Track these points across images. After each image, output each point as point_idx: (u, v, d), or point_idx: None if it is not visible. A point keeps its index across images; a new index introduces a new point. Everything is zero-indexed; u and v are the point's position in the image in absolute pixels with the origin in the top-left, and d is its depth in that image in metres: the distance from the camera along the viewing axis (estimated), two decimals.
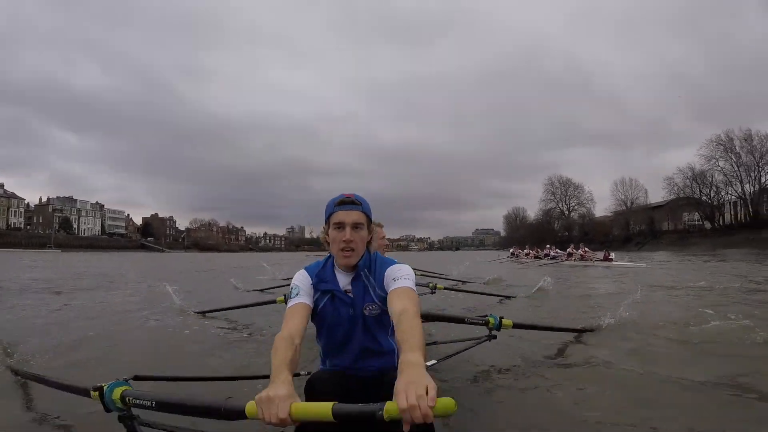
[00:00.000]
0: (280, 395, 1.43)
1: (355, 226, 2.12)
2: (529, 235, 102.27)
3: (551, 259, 30.20)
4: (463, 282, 11.40)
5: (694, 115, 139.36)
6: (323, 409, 1.37)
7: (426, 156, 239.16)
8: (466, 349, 3.53)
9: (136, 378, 2.37)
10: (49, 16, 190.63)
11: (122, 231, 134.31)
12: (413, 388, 1.27)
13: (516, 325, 3.83)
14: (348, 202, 2.15)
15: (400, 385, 1.31)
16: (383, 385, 1.78)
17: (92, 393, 1.88)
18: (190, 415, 1.66)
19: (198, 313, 7.10)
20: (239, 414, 1.52)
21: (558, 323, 5.76)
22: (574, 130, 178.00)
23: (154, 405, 1.69)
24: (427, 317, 3.93)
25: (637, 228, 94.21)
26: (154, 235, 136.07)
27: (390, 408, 1.28)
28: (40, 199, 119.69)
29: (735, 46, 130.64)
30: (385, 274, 2.14)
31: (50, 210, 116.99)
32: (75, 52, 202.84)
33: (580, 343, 4.84)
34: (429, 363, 2.43)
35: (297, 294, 2.13)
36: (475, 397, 3.25)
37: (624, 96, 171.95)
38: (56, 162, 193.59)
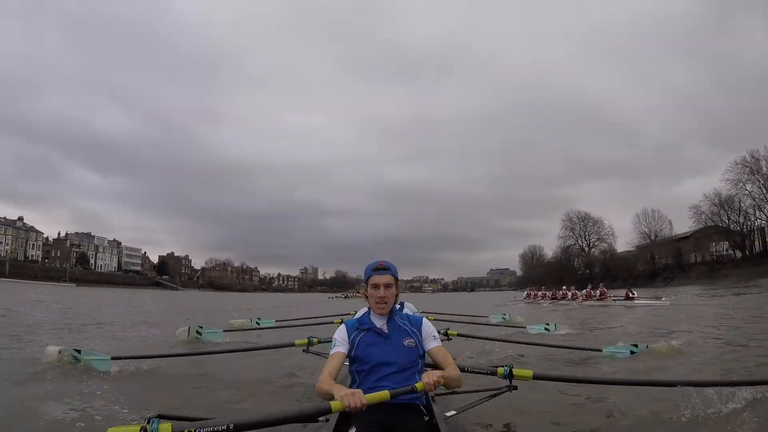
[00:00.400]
0: (357, 391, 2.32)
1: (387, 286, 2.90)
2: (547, 274, 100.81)
3: (568, 300, 29.68)
4: (477, 324, 11.27)
5: (707, 140, 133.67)
6: (383, 394, 2.34)
7: (435, 196, 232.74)
8: (486, 400, 3.43)
9: (161, 417, 2.21)
10: (70, 59, 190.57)
11: (138, 268, 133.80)
12: (429, 373, 2.53)
13: (537, 377, 3.61)
14: (381, 268, 2.93)
15: (424, 375, 2.54)
16: (408, 419, 2.59)
17: None
18: (275, 425, 2.04)
19: (119, 358, 6.18)
20: (327, 410, 2.22)
21: (580, 374, 5.67)
22: (584, 164, 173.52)
23: (232, 428, 1.88)
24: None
25: (662, 262, 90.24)
26: (169, 273, 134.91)
27: (418, 385, 2.44)
28: (59, 233, 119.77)
29: (741, 65, 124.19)
30: (423, 326, 2.97)
31: (68, 245, 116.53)
32: (95, 94, 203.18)
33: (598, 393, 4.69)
34: (449, 414, 2.90)
35: (336, 344, 2.87)
36: None
37: (633, 126, 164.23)
38: (77, 200, 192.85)
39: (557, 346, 7.37)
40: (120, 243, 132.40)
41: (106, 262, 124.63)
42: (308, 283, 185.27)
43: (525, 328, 8.94)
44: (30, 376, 5.52)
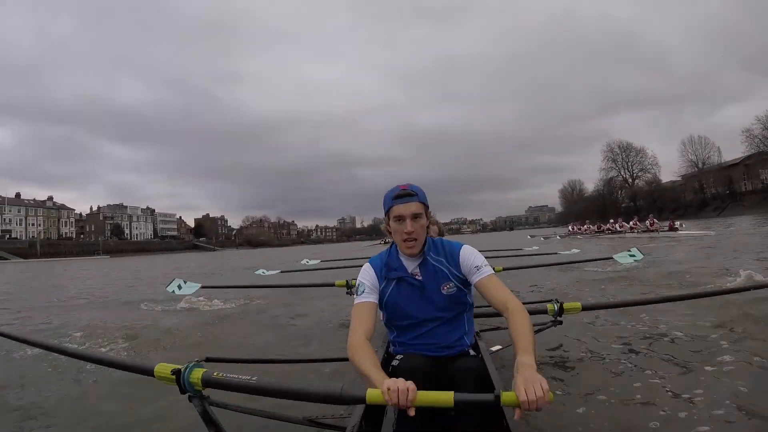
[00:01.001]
0: (409, 385, 1.57)
1: (415, 217, 2.18)
2: (589, 208, 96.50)
3: (612, 233, 28.94)
4: (527, 254, 11.60)
5: (744, 66, 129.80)
6: (445, 397, 1.56)
7: (466, 138, 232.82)
8: None
9: (208, 360, 2.33)
10: (85, 36, 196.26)
11: (174, 233, 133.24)
12: (532, 385, 1.53)
13: (586, 308, 3.40)
14: (404, 194, 2.19)
15: (519, 381, 1.57)
16: (456, 370, 2.01)
17: (162, 373, 1.85)
18: (297, 399, 1.74)
19: (208, 287, 6.87)
20: (360, 400, 1.66)
21: (629, 297, 6.02)
22: (617, 96, 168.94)
23: (250, 387, 1.71)
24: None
25: (711, 191, 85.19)
26: (206, 235, 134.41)
27: (508, 397, 1.54)
28: (91, 208, 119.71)
29: None
30: (461, 256, 2.23)
31: (101, 218, 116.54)
32: (114, 69, 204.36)
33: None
34: (494, 348, 2.83)
35: (363, 291, 2.18)
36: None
37: (666, 53, 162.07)
38: (110, 174, 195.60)
39: (578, 261, 8.92)
40: (154, 210, 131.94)
41: (141, 231, 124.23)
42: (346, 233, 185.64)
43: (612, 258, 7.45)
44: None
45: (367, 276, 2.25)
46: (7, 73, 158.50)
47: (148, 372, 1.93)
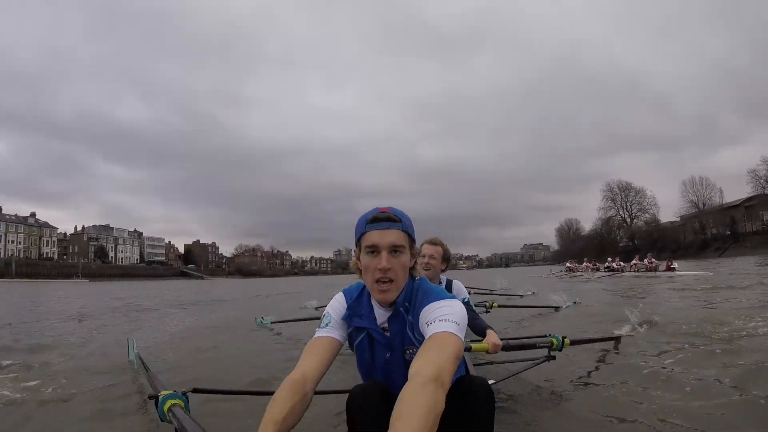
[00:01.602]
0: None
1: (394, 250, 1.67)
2: (587, 247, 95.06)
3: (610, 271, 28.59)
4: (521, 296, 12.65)
5: (744, 111, 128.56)
6: None
7: (469, 172, 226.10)
8: (524, 370, 3.46)
9: (195, 391, 2.34)
10: (89, 49, 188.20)
11: (162, 259, 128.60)
12: None
13: (573, 342, 3.74)
14: (383, 218, 1.68)
15: None
16: None
17: (162, 395, 2.00)
18: None
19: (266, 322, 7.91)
20: None
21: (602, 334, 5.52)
22: (619, 136, 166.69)
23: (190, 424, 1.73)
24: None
25: (712, 232, 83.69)
26: (195, 262, 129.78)
27: None
28: (75, 228, 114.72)
29: None
30: (422, 312, 1.66)
31: (85, 239, 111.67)
32: (116, 84, 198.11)
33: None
34: (489, 382, 2.30)
35: (327, 324, 1.78)
36: (537, 418, 2.96)
37: (669, 96, 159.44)
38: (106, 194, 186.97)
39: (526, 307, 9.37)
40: (141, 233, 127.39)
41: (127, 255, 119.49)
42: (342, 265, 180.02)
43: (560, 308, 8.67)
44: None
45: (337, 307, 1.82)
46: (9, 81, 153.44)
47: (154, 397, 2.08)
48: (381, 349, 1.75)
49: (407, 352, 1.70)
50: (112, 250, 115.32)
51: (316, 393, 1.86)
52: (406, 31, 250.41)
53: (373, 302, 1.76)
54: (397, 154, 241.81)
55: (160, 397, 1.94)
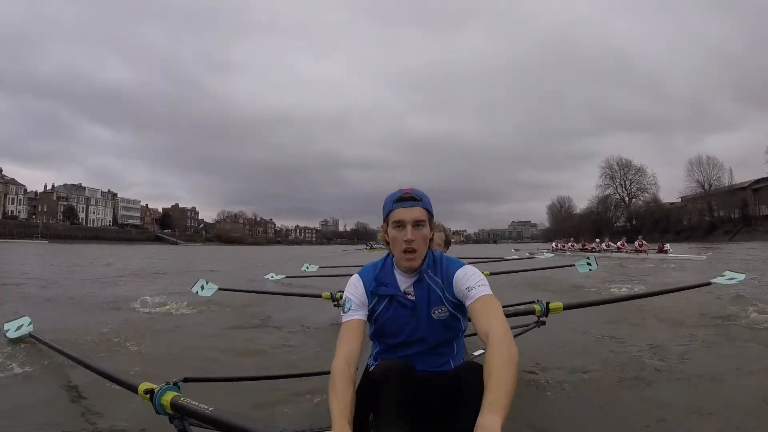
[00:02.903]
0: None
1: (417, 224, 1.90)
2: (580, 226, 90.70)
3: (598, 252, 27.71)
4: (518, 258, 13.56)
5: (738, 96, 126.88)
6: None
7: (458, 147, 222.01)
8: (515, 337, 2.96)
9: (186, 380, 2.24)
10: (74, 11, 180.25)
11: (137, 222, 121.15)
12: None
13: (567, 307, 3.66)
14: (407, 198, 1.92)
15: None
16: (440, 387, 1.80)
17: (141, 392, 1.96)
18: None
19: (225, 289, 7.04)
20: None
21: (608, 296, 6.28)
22: (610, 116, 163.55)
23: (206, 416, 1.73)
24: None
25: (719, 214, 77.48)
26: (173, 227, 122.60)
27: None
28: (45, 186, 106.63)
29: None
30: (455, 277, 1.91)
31: (54, 198, 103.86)
32: (101, 47, 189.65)
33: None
34: (477, 353, 2.65)
35: (350, 308, 1.94)
36: (528, 391, 3.18)
37: (662, 77, 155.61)
38: (90, 157, 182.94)
39: (543, 269, 9.63)
40: (116, 194, 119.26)
41: (99, 216, 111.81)
42: (327, 236, 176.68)
43: (574, 266, 7.98)
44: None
45: (354, 291, 1.99)
46: None
47: (133, 388, 2.04)
48: (405, 311, 1.94)
49: (436, 312, 1.91)
50: (83, 211, 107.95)
51: (291, 376, 3.12)
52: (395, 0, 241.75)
53: (396, 272, 1.98)
54: (385, 125, 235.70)
55: (156, 390, 1.88)
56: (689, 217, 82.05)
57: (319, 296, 5.58)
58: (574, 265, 7.67)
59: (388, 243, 1.99)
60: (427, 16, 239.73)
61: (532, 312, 3.46)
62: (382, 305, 1.97)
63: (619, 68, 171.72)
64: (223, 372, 3.50)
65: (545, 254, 12.41)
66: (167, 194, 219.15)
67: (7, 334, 4.40)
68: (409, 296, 1.95)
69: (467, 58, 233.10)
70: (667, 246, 23.34)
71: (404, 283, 1.97)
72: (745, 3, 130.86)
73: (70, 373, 3.63)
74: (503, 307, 2.96)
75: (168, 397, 1.84)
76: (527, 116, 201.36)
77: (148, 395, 1.90)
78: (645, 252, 23.76)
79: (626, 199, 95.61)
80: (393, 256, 2.00)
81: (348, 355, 1.76)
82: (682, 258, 20.11)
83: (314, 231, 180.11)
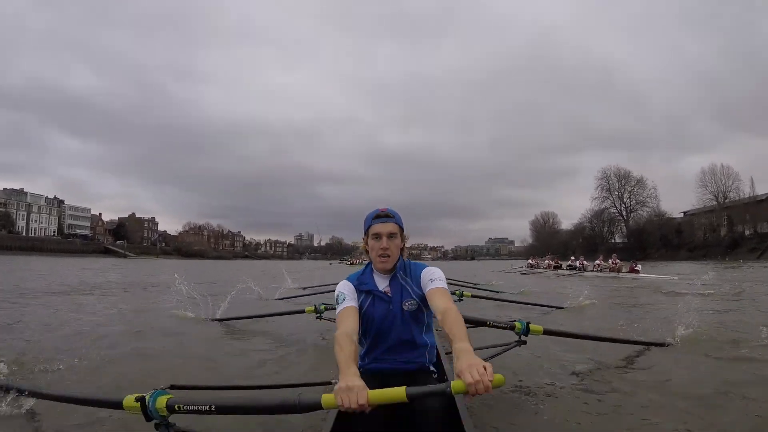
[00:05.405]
0: (358, 385, 1.66)
1: (390, 236, 2.39)
2: (570, 242, 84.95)
3: (572, 270, 27.39)
4: (495, 291, 11.81)
5: (716, 116, 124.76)
6: (397, 392, 1.62)
7: (433, 162, 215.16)
8: (496, 355, 3.63)
9: (173, 387, 2.33)
10: (39, 17, 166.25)
11: (86, 232, 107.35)
12: (474, 368, 1.60)
13: (547, 332, 3.88)
14: (383, 215, 2.42)
15: (462, 366, 1.64)
16: (417, 382, 1.92)
17: (129, 403, 1.91)
18: (257, 414, 1.87)
19: (216, 320, 7.08)
20: (316, 406, 1.72)
21: (593, 332, 5.55)
22: (589, 132, 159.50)
23: (213, 409, 1.78)
24: None
25: (741, 228, 67.52)
26: (128, 238, 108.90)
27: (456, 385, 1.59)
28: None
29: (757, 39, 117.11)
30: (422, 274, 2.39)
31: None
32: (67, 53, 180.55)
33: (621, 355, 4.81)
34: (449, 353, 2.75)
35: (344, 299, 2.35)
36: (509, 406, 3.33)
37: (642, 95, 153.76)
38: (61, 168, 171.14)
39: (530, 304, 9.34)
40: (62, 201, 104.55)
41: (42, 225, 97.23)
42: (300, 250, 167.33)
43: (564, 308, 8.98)
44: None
45: (345, 287, 2.41)
46: None
47: (117, 405, 1.96)
48: (382, 305, 2.37)
49: (406, 304, 2.36)
50: (23, 219, 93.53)
51: (276, 387, 3.09)
52: (367, 8, 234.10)
53: (374, 275, 2.44)
54: (358, 138, 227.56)
55: (148, 397, 1.86)
56: (704, 233, 72.26)
57: (302, 311, 5.88)
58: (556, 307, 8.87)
59: (367, 251, 2.46)
60: (400, 26, 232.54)
61: (512, 328, 3.76)
62: (367, 302, 2.38)
63: (598, 82, 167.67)
64: (207, 382, 3.20)
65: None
66: (138, 207, 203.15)
67: None
68: (387, 293, 2.39)
69: (442, 69, 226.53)
70: (639, 266, 22.69)
71: (381, 283, 2.42)
72: (724, 20, 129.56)
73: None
74: (488, 321, 4.02)
75: (162, 401, 1.83)
76: (504, 131, 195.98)
77: (138, 403, 1.86)
78: (619, 270, 23.39)
79: (624, 213, 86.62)
80: (371, 264, 2.46)
81: (347, 329, 2.12)
82: (653, 278, 19.20)
83: (286, 245, 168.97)
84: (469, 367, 1.62)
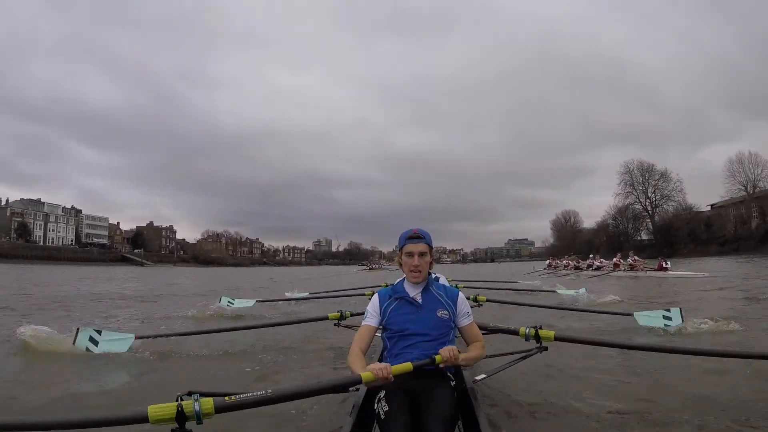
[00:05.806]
0: (383, 364, 2.29)
1: (421, 255, 2.79)
2: (594, 242, 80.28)
3: (595, 270, 26.25)
4: (514, 290, 12.06)
5: (734, 103, 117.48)
6: (406, 366, 2.35)
7: (447, 164, 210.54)
8: (514, 362, 3.46)
9: (191, 393, 2.13)
10: (52, 25, 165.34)
11: (104, 241, 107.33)
12: (447, 350, 2.49)
13: (558, 338, 3.58)
14: (415, 237, 2.82)
15: (442, 350, 2.51)
16: (433, 381, 2.59)
17: (159, 414, 1.75)
18: (314, 395, 2.28)
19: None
20: (357, 381, 2.23)
21: (606, 338, 5.16)
22: (602, 129, 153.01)
23: (269, 393, 1.90)
24: None
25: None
26: (145, 246, 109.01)
27: (437, 358, 2.46)
28: (0, 201, 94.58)
29: None
30: (458, 301, 2.88)
31: (8, 214, 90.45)
32: (81, 62, 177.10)
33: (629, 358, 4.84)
34: (479, 377, 3.02)
35: (367, 317, 2.81)
36: (524, 416, 3.44)
37: (655, 86, 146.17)
38: (79, 178, 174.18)
39: (589, 311, 7.93)
40: (80, 211, 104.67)
41: (60, 234, 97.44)
42: (318, 256, 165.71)
43: (555, 291, 9.03)
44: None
45: (373, 304, 2.85)
46: None
47: (142, 419, 1.77)
48: (412, 308, 2.77)
49: (440, 312, 2.77)
50: (40, 228, 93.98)
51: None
52: (373, 8, 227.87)
53: (406, 285, 2.87)
54: (369, 141, 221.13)
55: (190, 402, 1.77)
56: (734, 226, 68.20)
57: (325, 318, 5.60)
58: (555, 291, 9.70)
59: (401, 265, 2.88)
60: (407, 26, 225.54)
61: (515, 333, 3.67)
62: (393, 305, 2.80)
63: (610, 76, 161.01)
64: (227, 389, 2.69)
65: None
66: (157, 215, 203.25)
67: None
68: (417, 300, 2.79)
69: (451, 69, 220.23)
70: (667, 263, 21.46)
71: (412, 291, 2.83)
72: (739, 4, 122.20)
73: None
74: (500, 327, 4.16)
75: (209, 403, 1.75)
76: (517, 130, 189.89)
77: (176, 411, 1.74)
78: (639, 270, 22.42)
79: (649, 208, 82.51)
80: (405, 277, 2.91)
81: (362, 347, 2.69)
82: (683, 276, 18.58)
83: (304, 251, 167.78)
84: (444, 349, 2.50)
